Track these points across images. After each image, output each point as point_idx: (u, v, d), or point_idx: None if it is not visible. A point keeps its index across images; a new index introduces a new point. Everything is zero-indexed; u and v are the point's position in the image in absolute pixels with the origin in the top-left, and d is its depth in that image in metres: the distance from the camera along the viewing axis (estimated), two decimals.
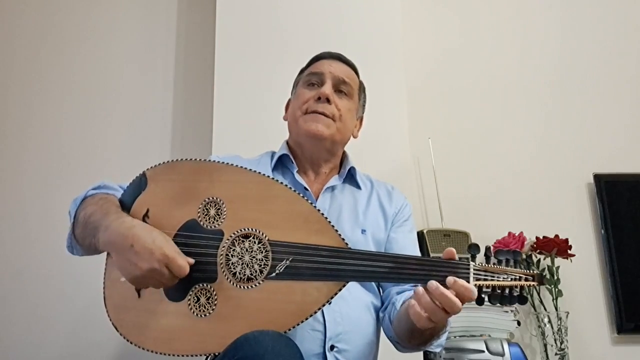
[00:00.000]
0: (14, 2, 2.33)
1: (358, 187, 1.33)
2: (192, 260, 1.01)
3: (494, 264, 0.95)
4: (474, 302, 0.93)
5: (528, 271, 0.93)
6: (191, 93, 2.25)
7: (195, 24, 2.33)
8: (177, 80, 2.28)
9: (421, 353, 1.75)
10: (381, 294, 1.27)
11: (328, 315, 1.11)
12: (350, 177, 1.34)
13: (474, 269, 0.93)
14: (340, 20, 2.08)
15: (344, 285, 0.98)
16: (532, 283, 0.93)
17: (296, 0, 2.11)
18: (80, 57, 2.28)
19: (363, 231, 1.25)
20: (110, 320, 1.07)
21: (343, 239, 1.01)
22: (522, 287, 0.93)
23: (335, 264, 0.98)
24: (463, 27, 2.41)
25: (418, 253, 1.33)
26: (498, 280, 0.92)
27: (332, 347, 1.10)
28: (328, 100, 1.26)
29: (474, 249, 0.95)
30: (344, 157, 1.37)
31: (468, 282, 0.91)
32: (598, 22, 2.44)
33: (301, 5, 2.10)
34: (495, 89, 2.33)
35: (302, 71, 1.39)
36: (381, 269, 0.97)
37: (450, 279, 0.91)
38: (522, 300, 0.93)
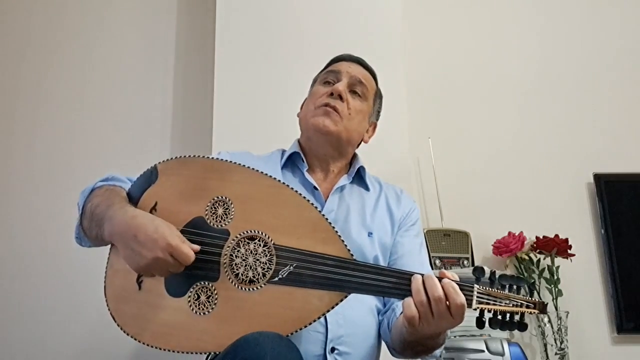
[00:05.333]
0: (13, 3, 2.33)
1: (366, 188, 1.32)
2: (197, 247, 1.00)
3: (497, 288, 0.94)
4: (474, 324, 0.93)
5: (531, 298, 0.93)
6: (191, 93, 2.25)
7: (195, 24, 2.33)
8: (177, 80, 2.27)
9: None
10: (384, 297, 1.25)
11: (330, 317, 1.10)
12: (359, 178, 1.33)
13: (478, 292, 0.92)
14: (340, 20, 2.08)
15: (345, 297, 0.97)
16: (533, 311, 0.92)
17: (296, 0, 2.11)
18: (80, 56, 2.28)
19: (370, 234, 1.23)
20: (109, 309, 1.06)
21: (349, 250, 1.00)
22: (522, 314, 0.93)
23: (340, 275, 0.97)
24: (463, 26, 2.41)
25: (424, 258, 1.30)
26: (500, 305, 0.92)
27: (332, 349, 1.09)
28: (341, 98, 1.26)
29: (479, 271, 0.94)
30: (354, 158, 1.36)
31: (471, 304, 0.91)
32: (597, 23, 2.43)
33: (301, 5, 2.09)
34: (496, 89, 2.33)
35: (321, 71, 1.39)
36: (385, 284, 0.96)
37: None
38: (522, 327, 0.92)
